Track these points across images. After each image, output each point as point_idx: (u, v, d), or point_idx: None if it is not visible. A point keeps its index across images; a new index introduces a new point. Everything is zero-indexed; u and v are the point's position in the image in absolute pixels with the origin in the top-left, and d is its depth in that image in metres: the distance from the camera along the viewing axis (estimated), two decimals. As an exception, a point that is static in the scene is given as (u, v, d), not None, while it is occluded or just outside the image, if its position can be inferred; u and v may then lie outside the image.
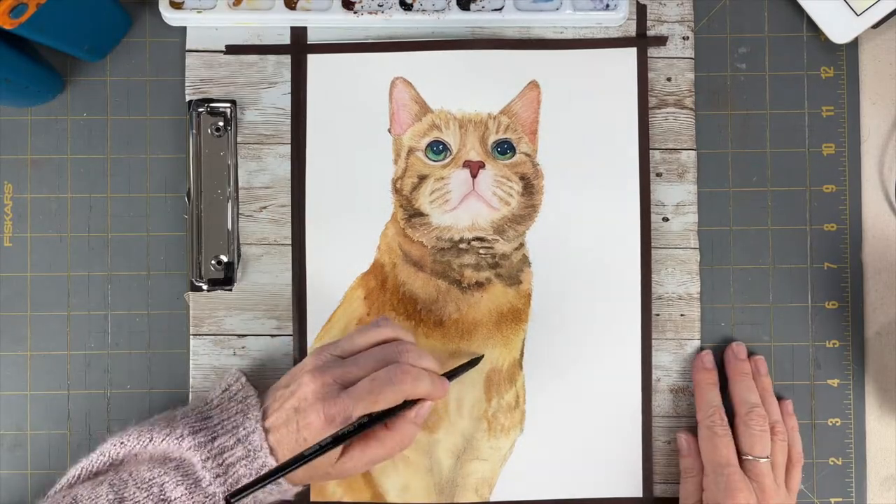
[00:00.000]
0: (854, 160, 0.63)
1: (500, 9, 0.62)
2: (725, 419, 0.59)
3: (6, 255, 0.62)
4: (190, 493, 0.52)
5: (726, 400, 0.60)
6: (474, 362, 0.60)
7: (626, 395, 0.62)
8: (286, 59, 0.63)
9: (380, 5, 0.62)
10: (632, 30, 0.63)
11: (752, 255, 0.63)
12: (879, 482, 0.62)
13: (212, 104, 0.61)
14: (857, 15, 0.61)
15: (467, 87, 0.62)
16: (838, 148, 0.63)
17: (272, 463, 0.52)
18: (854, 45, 0.63)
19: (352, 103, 0.62)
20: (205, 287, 0.61)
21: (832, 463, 0.62)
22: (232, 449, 0.53)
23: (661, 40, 0.63)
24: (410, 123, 0.62)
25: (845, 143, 0.63)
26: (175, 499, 0.52)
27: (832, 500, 0.62)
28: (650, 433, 0.62)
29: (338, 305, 0.62)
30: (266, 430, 0.53)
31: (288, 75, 0.63)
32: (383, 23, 0.62)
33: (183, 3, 0.62)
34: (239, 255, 0.62)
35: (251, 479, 0.52)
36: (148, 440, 0.54)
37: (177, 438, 0.53)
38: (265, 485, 0.49)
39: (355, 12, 0.62)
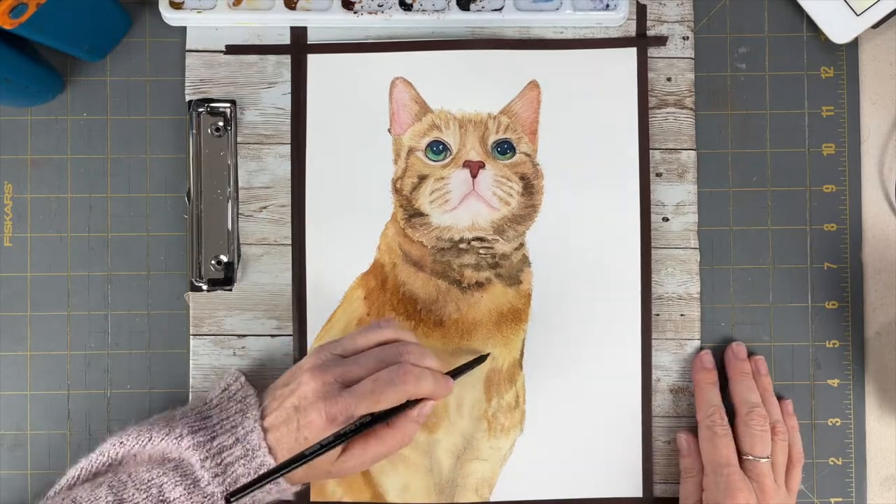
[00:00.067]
0: (854, 160, 0.63)
1: (500, 9, 0.62)
2: (726, 419, 0.59)
3: (6, 255, 0.62)
4: (189, 494, 0.52)
5: (726, 400, 0.60)
6: (480, 360, 0.59)
7: (626, 395, 0.62)
8: (286, 59, 0.63)
9: (380, 5, 0.62)
10: (632, 30, 0.63)
11: (752, 255, 0.63)
12: (879, 482, 0.62)
13: (212, 104, 0.61)
14: (857, 15, 0.61)
15: (467, 87, 0.62)
16: (838, 148, 0.63)
17: (271, 462, 0.52)
18: (854, 45, 0.63)
19: (352, 103, 0.62)
20: (205, 287, 0.61)
21: (832, 463, 0.62)
22: (231, 448, 0.53)
23: (661, 40, 0.63)
24: (410, 123, 0.62)
25: (845, 143, 0.63)
26: (174, 499, 0.52)
27: (832, 500, 0.62)
28: (650, 433, 0.62)
29: (338, 305, 0.62)
30: (265, 429, 0.53)
31: (288, 75, 0.63)
32: (383, 23, 0.62)
33: (183, 3, 0.62)
34: (239, 255, 0.62)
35: (249, 478, 0.52)
36: (147, 440, 0.54)
37: (176, 438, 0.53)
38: (266, 483, 0.49)
39: (355, 12, 0.62)
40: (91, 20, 0.59)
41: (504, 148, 0.62)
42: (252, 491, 0.49)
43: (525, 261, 0.62)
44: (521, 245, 0.62)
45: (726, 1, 0.63)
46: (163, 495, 0.52)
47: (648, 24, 0.63)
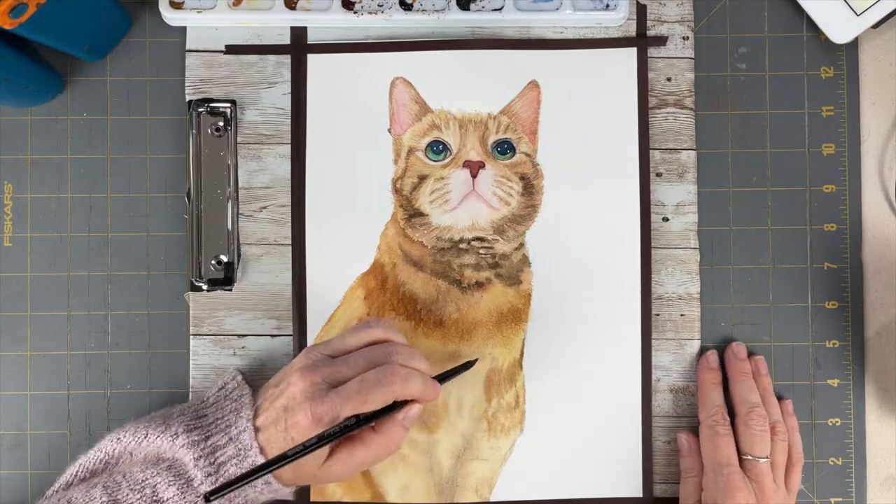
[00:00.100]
0: (854, 160, 0.63)
1: (500, 9, 0.62)
2: (728, 419, 0.59)
3: (6, 255, 0.62)
4: (182, 493, 0.52)
5: (726, 400, 0.60)
6: (467, 366, 0.59)
7: (626, 395, 0.62)
8: (286, 59, 0.63)
9: (380, 5, 0.62)
10: (632, 30, 0.63)
11: (752, 255, 0.63)
12: (879, 482, 0.62)
13: (212, 104, 0.61)
14: (857, 15, 0.61)
15: (467, 87, 0.62)
16: (838, 148, 0.63)
17: (261, 462, 0.52)
18: (854, 45, 0.63)
19: (352, 103, 0.62)
20: (205, 287, 0.61)
21: (832, 463, 0.62)
22: (224, 448, 0.53)
23: (661, 40, 0.63)
24: (410, 123, 0.62)
25: (845, 143, 0.63)
26: (167, 499, 0.52)
27: (832, 500, 0.62)
28: (650, 433, 0.62)
29: (338, 305, 0.62)
30: (257, 429, 0.53)
31: (288, 75, 0.63)
32: (383, 23, 0.62)
33: (183, 3, 0.62)
34: (239, 255, 0.62)
35: None
36: (143, 437, 0.54)
37: (171, 436, 0.53)
38: (244, 484, 0.49)
39: (355, 12, 0.62)
40: (91, 20, 0.59)
41: (504, 148, 0.62)
42: (231, 490, 0.49)
43: (525, 261, 0.62)
44: (521, 245, 0.62)
45: (726, 1, 0.63)
46: (156, 495, 0.52)
47: (648, 24, 0.63)
